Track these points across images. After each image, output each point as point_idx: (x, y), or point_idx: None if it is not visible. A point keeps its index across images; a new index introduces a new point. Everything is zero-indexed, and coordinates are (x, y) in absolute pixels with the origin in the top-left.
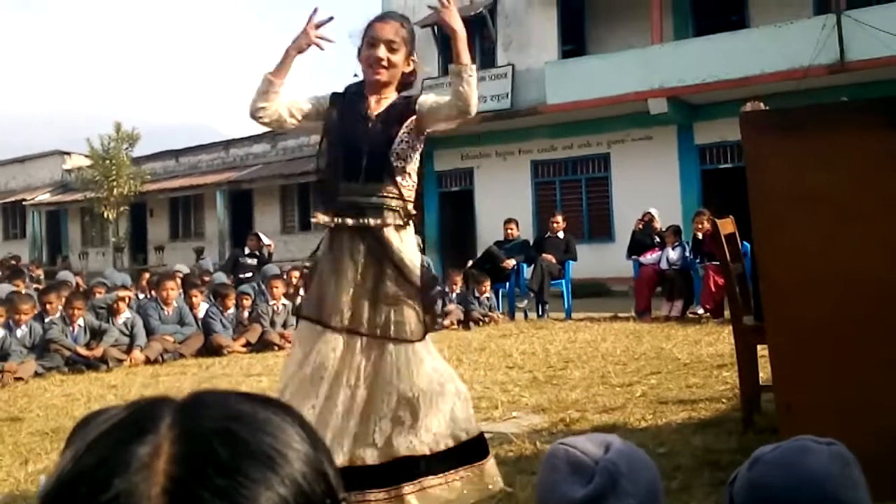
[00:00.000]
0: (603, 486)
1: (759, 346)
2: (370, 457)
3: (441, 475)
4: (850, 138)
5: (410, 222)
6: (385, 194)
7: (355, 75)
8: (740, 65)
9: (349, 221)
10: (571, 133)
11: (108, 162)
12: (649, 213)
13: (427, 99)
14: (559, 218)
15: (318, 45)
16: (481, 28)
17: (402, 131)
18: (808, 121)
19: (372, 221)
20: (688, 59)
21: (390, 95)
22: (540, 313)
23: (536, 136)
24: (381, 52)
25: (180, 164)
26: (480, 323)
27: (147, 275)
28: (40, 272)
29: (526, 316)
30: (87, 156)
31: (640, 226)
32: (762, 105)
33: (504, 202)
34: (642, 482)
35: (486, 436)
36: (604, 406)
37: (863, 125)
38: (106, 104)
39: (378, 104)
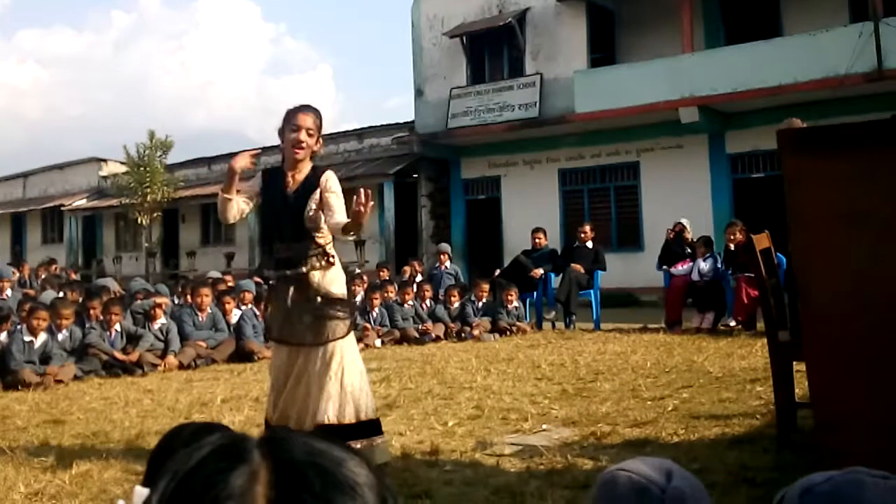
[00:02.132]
0: None
1: (794, 363)
2: (308, 424)
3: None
4: (891, 155)
5: (334, 261)
6: (307, 248)
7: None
8: (773, 73)
9: (287, 272)
10: (600, 141)
11: (142, 169)
12: (680, 223)
13: (330, 197)
14: (587, 228)
15: (251, 167)
16: (510, 37)
17: (311, 202)
18: (848, 138)
19: (302, 269)
20: (719, 68)
21: (304, 168)
22: (567, 324)
23: (564, 145)
24: (303, 136)
25: (212, 171)
26: (508, 332)
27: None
28: (77, 276)
29: (554, 326)
30: (122, 163)
31: (671, 236)
32: (800, 122)
33: (531, 211)
34: None
35: (516, 448)
36: (635, 420)
37: None
38: (136, 108)
39: (294, 179)
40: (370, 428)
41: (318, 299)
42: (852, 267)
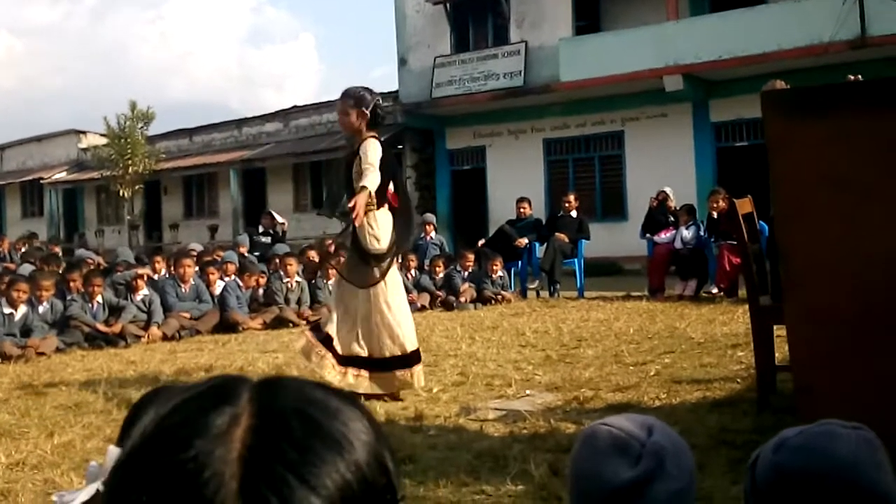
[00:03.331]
0: (651, 469)
1: (774, 327)
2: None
3: (396, 370)
4: (875, 118)
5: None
6: None
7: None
8: (758, 41)
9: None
10: (585, 111)
11: (123, 141)
12: (664, 191)
13: (364, 156)
14: (571, 197)
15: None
16: (494, 4)
17: (355, 167)
18: (831, 101)
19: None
20: (704, 36)
21: (362, 138)
22: (551, 292)
23: (549, 114)
24: (338, 119)
25: (194, 142)
26: (493, 301)
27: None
28: (58, 250)
29: (538, 295)
30: (103, 135)
31: (655, 204)
32: (784, 84)
33: (516, 181)
34: (684, 464)
35: (500, 413)
36: (617, 385)
37: (887, 104)
38: (115, 79)
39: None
40: (412, 358)
41: (360, 250)
42: (834, 231)
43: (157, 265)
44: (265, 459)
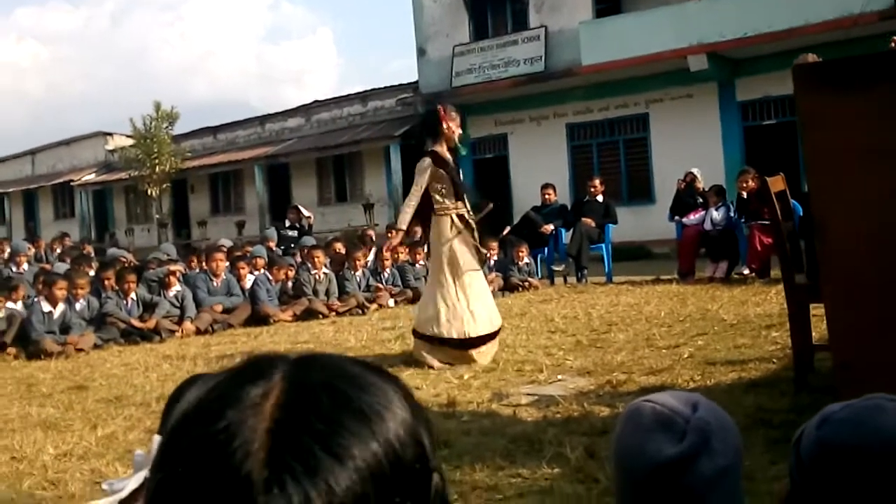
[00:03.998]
0: (696, 445)
1: (811, 306)
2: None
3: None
4: None
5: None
6: None
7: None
8: (784, 16)
9: None
10: (607, 94)
11: (149, 141)
12: (691, 173)
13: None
14: (597, 182)
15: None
16: None
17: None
18: (864, 72)
19: None
20: (727, 13)
21: None
22: (579, 278)
23: (571, 99)
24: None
25: (218, 140)
26: (520, 289)
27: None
28: (90, 249)
29: (565, 281)
30: (129, 136)
31: (682, 186)
32: (815, 57)
33: (540, 167)
34: (730, 441)
35: (532, 398)
36: (650, 368)
37: None
38: (137, 82)
39: None
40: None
41: None
42: (868, 205)
43: (192, 263)
44: (293, 432)
